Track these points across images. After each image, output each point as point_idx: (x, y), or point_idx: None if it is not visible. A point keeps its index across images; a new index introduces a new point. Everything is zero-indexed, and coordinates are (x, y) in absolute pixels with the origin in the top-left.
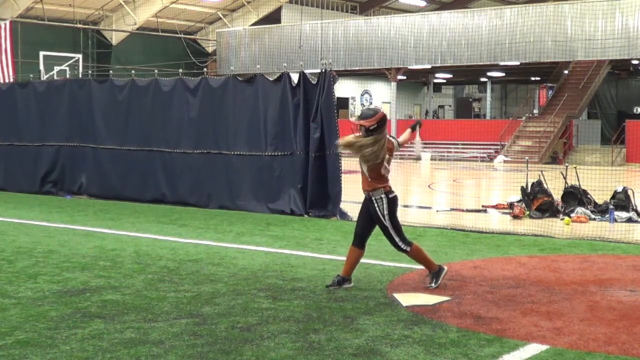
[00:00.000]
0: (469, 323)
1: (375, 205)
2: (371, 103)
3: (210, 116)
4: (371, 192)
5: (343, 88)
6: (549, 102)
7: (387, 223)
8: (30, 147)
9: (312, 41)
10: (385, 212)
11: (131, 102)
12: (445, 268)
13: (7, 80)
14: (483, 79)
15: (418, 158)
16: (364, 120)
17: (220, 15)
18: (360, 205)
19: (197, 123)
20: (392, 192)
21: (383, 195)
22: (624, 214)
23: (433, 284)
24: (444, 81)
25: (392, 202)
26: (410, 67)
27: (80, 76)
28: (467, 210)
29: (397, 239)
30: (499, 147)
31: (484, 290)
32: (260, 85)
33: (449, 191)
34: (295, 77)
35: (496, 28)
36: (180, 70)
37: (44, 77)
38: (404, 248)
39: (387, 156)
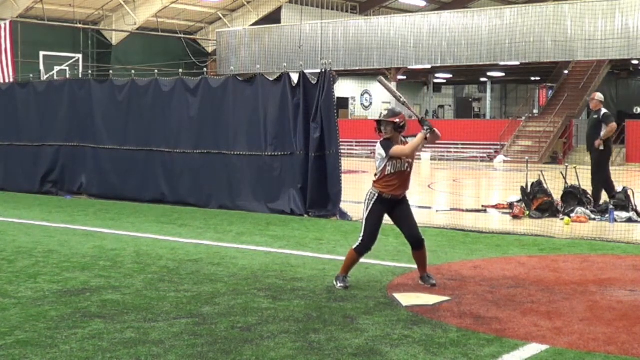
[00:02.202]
0: (469, 323)
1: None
2: (371, 103)
3: (210, 116)
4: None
5: (343, 88)
6: (549, 102)
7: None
8: (30, 147)
9: (312, 41)
10: None
11: (131, 102)
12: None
13: (7, 80)
14: (483, 79)
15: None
16: (397, 117)
17: (220, 15)
18: (361, 207)
19: (197, 123)
20: None
21: None
22: (624, 214)
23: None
24: (444, 81)
25: None
26: (410, 67)
27: (80, 76)
28: (467, 210)
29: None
30: (498, 147)
31: (484, 290)
32: (260, 85)
33: (449, 191)
34: (295, 77)
35: (496, 28)
36: (180, 70)
37: (44, 77)
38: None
39: None
